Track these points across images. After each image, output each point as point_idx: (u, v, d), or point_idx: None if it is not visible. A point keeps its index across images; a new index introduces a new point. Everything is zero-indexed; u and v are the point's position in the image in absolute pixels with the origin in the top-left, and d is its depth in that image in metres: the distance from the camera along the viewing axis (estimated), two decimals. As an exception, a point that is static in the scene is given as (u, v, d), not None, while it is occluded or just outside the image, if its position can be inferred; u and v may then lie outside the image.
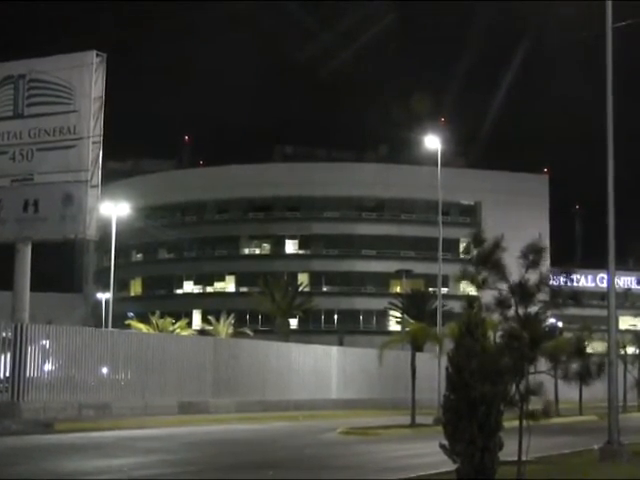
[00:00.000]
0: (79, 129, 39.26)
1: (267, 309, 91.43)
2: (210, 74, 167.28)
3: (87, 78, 39.45)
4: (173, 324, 79.05)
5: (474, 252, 16.10)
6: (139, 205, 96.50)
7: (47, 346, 37.91)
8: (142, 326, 75.43)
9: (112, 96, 41.23)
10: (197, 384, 45.06)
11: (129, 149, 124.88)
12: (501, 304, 15.65)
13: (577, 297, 16.14)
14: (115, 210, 68.37)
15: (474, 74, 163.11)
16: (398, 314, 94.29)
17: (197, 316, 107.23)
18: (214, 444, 29.88)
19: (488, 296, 16.16)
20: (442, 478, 17.34)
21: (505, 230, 19.75)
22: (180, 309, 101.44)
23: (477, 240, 16.29)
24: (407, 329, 48.12)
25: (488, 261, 15.68)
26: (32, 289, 40.55)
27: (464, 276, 16.32)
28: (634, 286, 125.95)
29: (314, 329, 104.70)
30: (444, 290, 52.43)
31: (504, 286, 15.67)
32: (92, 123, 39.16)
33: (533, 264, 15.59)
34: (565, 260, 16.96)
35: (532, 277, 15.76)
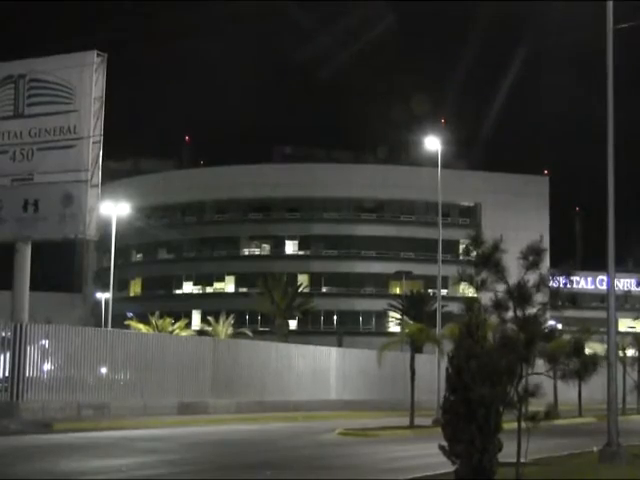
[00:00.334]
0: (79, 129, 39.28)
1: (266, 310, 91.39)
2: (210, 74, 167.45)
3: (87, 78, 39.47)
4: (172, 324, 79.00)
5: (473, 253, 16.10)
6: (139, 205, 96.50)
7: (46, 346, 37.91)
8: (141, 326, 75.39)
9: (112, 96, 41.29)
10: (196, 384, 45.06)
11: (129, 149, 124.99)
12: (499, 306, 15.65)
13: (575, 299, 16.15)
14: (115, 210, 68.36)
15: (474, 75, 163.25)
16: (397, 315, 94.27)
17: (196, 316, 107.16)
18: (213, 444, 29.88)
19: (487, 298, 16.16)
20: (441, 479, 17.33)
21: (505, 231, 19.78)
22: (179, 309, 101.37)
23: (476, 241, 16.30)
24: (406, 330, 48.05)
25: (488, 262, 15.68)
26: (32, 289, 40.58)
27: (462, 278, 16.32)
28: (634, 288, 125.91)
29: (313, 330, 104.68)
30: (443, 291, 52.45)
31: (502, 288, 15.67)
32: (92, 123, 39.19)
33: (533, 265, 15.59)
34: (565, 261, 16.79)
35: (532, 278, 15.76)
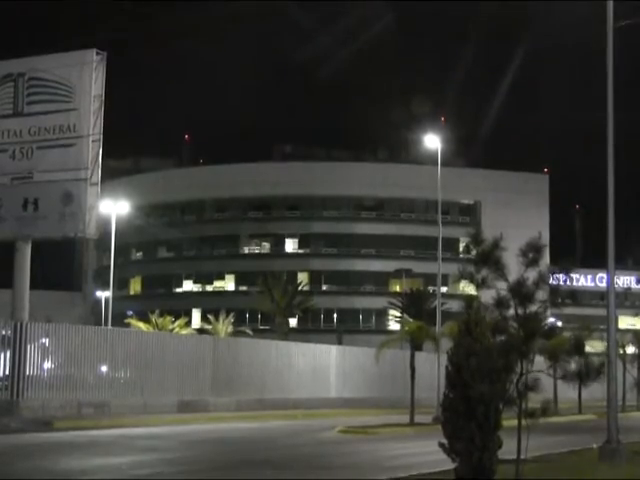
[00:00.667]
0: (79, 127, 39.29)
1: (266, 308, 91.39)
2: (210, 73, 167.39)
3: (87, 76, 39.49)
4: (172, 323, 78.90)
5: (474, 251, 16.11)
6: (139, 204, 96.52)
7: (47, 344, 37.92)
8: (142, 325, 75.33)
9: (112, 94, 41.28)
10: (196, 383, 45.07)
11: (129, 147, 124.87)
12: (500, 305, 15.66)
13: (575, 296, 16.16)
14: (115, 208, 68.37)
15: (474, 73, 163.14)
16: (397, 313, 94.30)
17: (196, 315, 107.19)
18: (213, 443, 29.89)
19: (487, 296, 16.17)
20: (441, 477, 17.35)
21: (505, 229, 19.78)
22: (179, 308, 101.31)
23: (476, 239, 16.30)
24: (406, 328, 48.08)
25: (488, 260, 15.69)
26: (32, 287, 40.59)
27: (462, 276, 16.33)
28: (633, 286, 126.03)
29: (313, 328, 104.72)
30: (443, 289, 52.47)
31: (503, 285, 15.68)
32: (92, 121, 39.20)
33: (532, 262, 15.60)
34: (565, 258, 16.81)
35: (531, 275, 15.76)
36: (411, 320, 64.76)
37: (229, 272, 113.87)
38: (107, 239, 67.52)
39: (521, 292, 15.47)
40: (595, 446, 24.73)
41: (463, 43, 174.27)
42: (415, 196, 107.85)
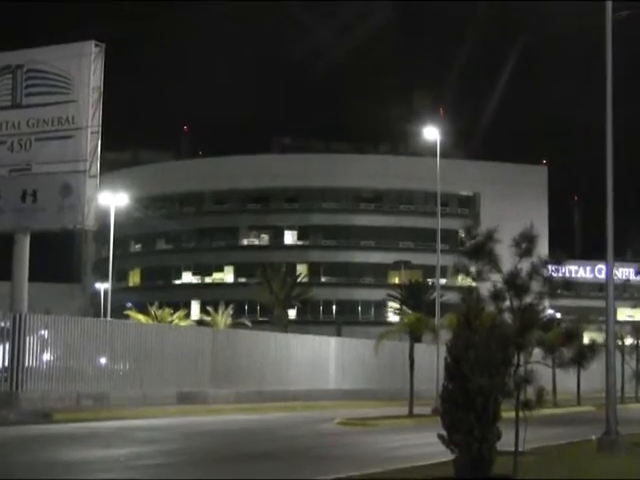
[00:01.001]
0: (77, 119, 39.25)
1: (265, 300, 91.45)
2: (209, 65, 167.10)
3: (86, 68, 39.44)
4: (172, 314, 78.97)
5: (468, 244, 16.10)
6: (137, 195, 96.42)
7: (46, 336, 37.93)
8: (141, 316, 75.42)
9: (111, 86, 41.23)
10: (195, 374, 45.10)
11: (128, 139, 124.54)
12: (496, 297, 15.66)
13: (570, 285, 16.15)
14: (113, 200, 68.32)
15: (473, 65, 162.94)
16: (396, 305, 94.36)
17: (196, 307, 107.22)
18: (212, 434, 29.93)
19: (485, 288, 16.17)
20: (440, 468, 17.37)
21: (504, 221, 19.79)
22: (179, 300, 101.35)
23: (470, 232, 16.29)
24: (405, 320, 48.09)
25: (481, 253, 15.68)
26: (31, 279, 40.60)
27: (458, 269, 16.32)
28: (632, 277, 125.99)
29: (312, 320, 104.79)
30: (442, 281, 52.46)
31: (498, 277, 15.66)
32: (91, 113, 39.16)
33: (526, 253, 15.59)
34: (558, 248, 16.77)
35: (526, 267, 15.74)
36: (410, 312, 64.79)
37: (228, 264, 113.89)
38: (106, 231, 67.47)
39: (515, 283, 15.45)
40: (594, 438, 24.75)
41: (462, 36, 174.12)
42: (414, 188, 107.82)
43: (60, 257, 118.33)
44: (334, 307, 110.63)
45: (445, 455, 15.87)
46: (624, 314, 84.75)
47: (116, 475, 18.74)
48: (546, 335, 16.06)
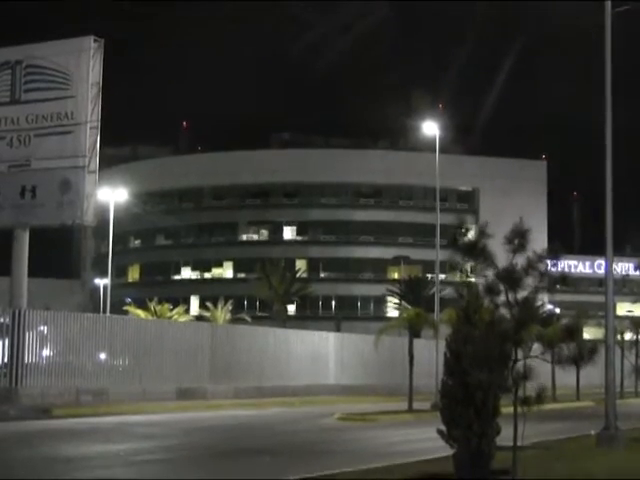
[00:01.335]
0: (76, 115, 39.21)
1: (265, 295, 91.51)
2: (209, 61, 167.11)
3: (84, 63, 39.37)
4: (171, 310, 79.07)
5: (461, 240, 16.07)
6: (137, 191, 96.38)
7: (45, 332, 37.94)
8: (140, 312, 75.48)
9: (110, 81, 41.19)
10: (195, 370, 45.11)
11: (127, 135, 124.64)
12: (490, 291, 15.64)
13: (567, 280, 16.13)
14: (113, 196, 68.28)
15: (473, 60, 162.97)
16: (396, 300, 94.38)
17: (195, 302, 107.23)
18: (211, 430, 29.95)
19: (482, 283, 16.15)
20: (439, 463, 17.38)
21: (503, 216, 19.79)
22: (178, 295, 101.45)
23: (461, 229, 16.26)
24: (404, 315, 48.10)
25: (474, 250, 15.65)
26: (30, 275, 40.57)
27: (453, 266, 16.31)
28: (632, 272, 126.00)
29: (312, 315, 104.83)
30: (442, 276, 52.42)
31: (492, 273, 15.64)
32: (90, 109, 39.10)
33: (519, 248, 15.57)
34: (554, 243, 16.75)
35: (521, 262, 15.71)
36: (409, 307, 64.80)
37: (227, 259, 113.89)
38: (105, 227, 67.46)
39: (510, 278, 15.43)
40: (593, 433, 24.76)
41: (461, 33, 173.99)
42: (413, 183, 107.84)
43: (59, 253, 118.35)
44: (333, 302, 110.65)
45: (445, 450, 15.88)
46: (623, 309, 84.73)
47: (116, 470, 18.75)
48: (545, 330, 16.05)
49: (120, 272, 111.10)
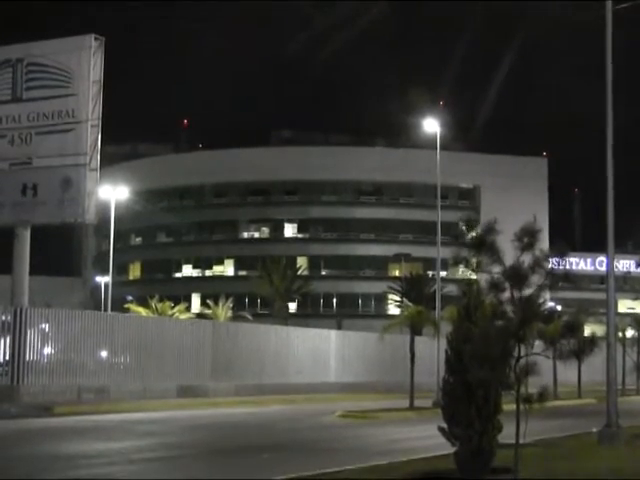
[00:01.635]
0: (78, 113, 39.22)
1: (266, 293, 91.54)
2: (209, 58, 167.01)
3: (85, 61, 39.37)
4: (172, 308, 79.12)
5: (468, 236, 16.06)
6: (138, 189, 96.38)
7: (46, 330, 37.97)
8: (141, 310, 75.51)
9: (111, 79, 41.19)
10: (196, 368, 45.13)
11: (128, 132, 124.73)
12: (495, 287, 15.63)
13: (571, 278, 16.10)
14: (114, 194, 68.27)
15: (473, 57, 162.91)
16: (397, 298, 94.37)
17: (196, 300, 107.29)
18: (213, 427, 29.96)
19: (485, 279, 16.14)
20: (441, 461, 17.39)
21: (504, 213, 19.78)
22: (179, 293, 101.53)
23: (470, 224, 16.26)
24: (405, 313, 48.10)
25: (483, 245, 15.65)
26: (31, 273, 40.59)
27: (458, 261, 16.29)
28: (633, 269, 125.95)
29: (313, 313, 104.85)
30: (442, 274, 52.45)
31: (498, 269, 15.63)
32: (91, 106, 39.11)
33: (528, 246, 15.57)
34: (560, 241, 16.77)
35: (528, 260, 15.71)
36: (411, 304, 64.80)
37: (228, 257, 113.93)
38: (106, 224, 67.52)
39: (516, 275, 15.42)
40: (595, 430, 24.78)
41: (461, 28, 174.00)
42: (414, 180, 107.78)
43: (60, 251, 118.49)
44: (334, 300, 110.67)
45: (446, 448, 15.88)
46: (625, 306, 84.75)
47: (117, 468, 18.76)
48: (547, 327, 16.04)
49: (121, 270, 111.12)
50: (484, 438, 14.68)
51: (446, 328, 20.94)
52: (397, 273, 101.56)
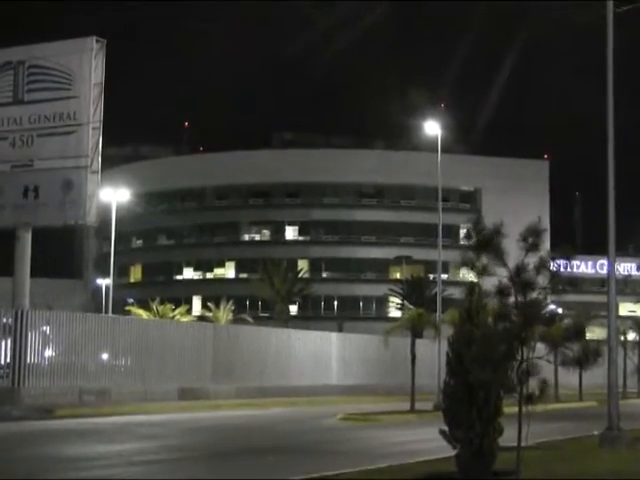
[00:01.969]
0: (79, 115, 39.24)
1: (267, 295, 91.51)
2: (210, 60, 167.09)
3: (87, 64, 39.40)
4: (173, 310, 79.05)
5: (474, 238, 16.04)
6: (139, 191, 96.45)
7: (47, 332, 37.98)
8: (142, 312, 75.44)
9: (112, 82, 41.21)
10: (197, 370, 45.12)
11: (129, 135, 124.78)
12: (501, 292, 15.62)
13: (575, 282, 16.10)
14: (115, 196, 68.30)
15: (474, 59, 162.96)
16: (398, 300, 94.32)
17: (197, 302, 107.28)
18: (214, 430, 29.96)
19: (488, 283, 16.13)
20: (442, 464, 17.38)
21: (505, 216, 19.75)
22: (180, 295, 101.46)
23: (478, 226, 16.25)
24: (406, 315, 48.09)
25: (488, 247, 15.65)
26: (32, 275, 40.59)
27: (465, 263, 16.27)
28: (634, 272, 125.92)
29: (314, 315, 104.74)
30: (444, 276, 52.45)
31: (504, 272, 15.62)
32: (92, 109, 39.12)
33: (533, 247, 15.56)
34: (566, 244, 16.78)
35: (532, 262, 15.70)
36: (412, 307, 64.79)
37: (229, 259, 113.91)
38: (107, 227, 67.52)
39: (521, 279, 15.41)
40: (596, 433, 24.75)
41: (462, 28, 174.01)
42: (415, 183, 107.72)
43: (61, 253, 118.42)
44: (335, 303, 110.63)
45: (447, 450, 15.87)
46: (626, 309, 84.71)
47: (117, 470, 18.76)
48: (549, 330, 16.03)
49: (122, 272, 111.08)
50: (485, 440, 14.66)
51: (447, 331, 20.94)
52: (398, 276, 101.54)
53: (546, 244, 16.05)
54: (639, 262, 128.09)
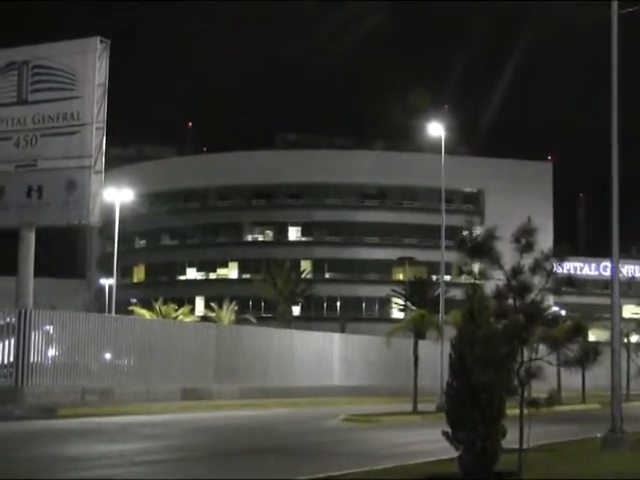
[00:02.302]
0: (82, 115, 39.30)
1: (269, 296, 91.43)
2: (210, 60, 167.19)
3: (90, 64, 39.46)
4: (176, 310, 79.02)
5: (468, 243, 16.02)
6: (142, 191, 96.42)
7: (51, 332, 38.03)
8: (145, 312, 75.45)
9: (115, 82, 41.26)
10: (200, 370, 45.14)
11: (132, 135, 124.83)
12: (499, 296, 15.62)
13: (573, 281, 16.08)
14: (118, 196, 68.33)
15: (477, 59, 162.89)
16: (401, 301, 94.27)
17: (200, 302, 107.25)
18: (216, 430, 29.96)
19: (490, 285, 16.12)
20: (445, 465, 17.38)
21: (508, 218, 19.78)
22: (183, 295, 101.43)
23: (470, 231, 16.22)
24: (409, 316, 48.10)
25: (482, 251, 15.62)
26: (36, 275, 40.67)
27: (462, 270, 16.26)
28: (637, 274, 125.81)
29: (316, 316, 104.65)
30: (446, 277, 52.39)
31: (500, 275, 15.60)
32: (95, 109, 39.19)
33: (527, 248, 15.54)
34: (560, 244, 16.81)
35: (527, 263, 15.66)
36: (414, 308, 64.76)
37: (232, 260, 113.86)
38: (111, 227, 67.56)
39: (518, 282, 15.39)
40: (599, 435, 24.73)
41: (465, 30, 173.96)
42: (418, 184, 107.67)
43: (65, 253, 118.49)
44: (338, 303, 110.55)
45: (450, 452, 15.87)
46: (629, 311, 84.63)
47: (119, 470, 18.77)
48: (551, 331, 16.01)
49: (125, 272, 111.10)
50: (488, 442, 14.66)
51: (450, 332, 20.94)
52: (401, 277, 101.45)
53: (549, 245, 16.04)
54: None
